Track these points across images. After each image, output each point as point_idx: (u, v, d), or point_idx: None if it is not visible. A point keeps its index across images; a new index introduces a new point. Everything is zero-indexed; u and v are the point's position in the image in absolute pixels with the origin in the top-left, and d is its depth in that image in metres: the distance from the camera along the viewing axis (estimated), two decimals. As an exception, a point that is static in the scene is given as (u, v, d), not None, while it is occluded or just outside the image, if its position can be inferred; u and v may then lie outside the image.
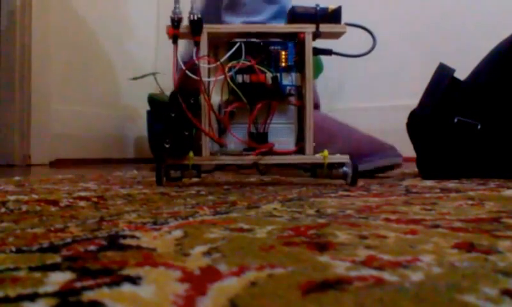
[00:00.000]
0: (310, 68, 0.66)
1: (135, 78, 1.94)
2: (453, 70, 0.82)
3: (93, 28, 1.96)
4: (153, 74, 1.97)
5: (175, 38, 0.66)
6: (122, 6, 2.10)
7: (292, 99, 0.67)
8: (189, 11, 0.65)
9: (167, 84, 1.90)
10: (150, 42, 2.24)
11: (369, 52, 0.68)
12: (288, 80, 0.66)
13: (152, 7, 2.26)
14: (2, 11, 1.72)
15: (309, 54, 0.66)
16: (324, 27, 0.66)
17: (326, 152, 0.66)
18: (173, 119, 0.63)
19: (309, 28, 0.66)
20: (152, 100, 1.87)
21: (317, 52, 0.69)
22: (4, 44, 1.71)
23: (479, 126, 0.75)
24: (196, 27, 0.65)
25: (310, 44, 0.66)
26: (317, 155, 0.66)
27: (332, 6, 0.67)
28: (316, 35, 0.66)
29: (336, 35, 0.68)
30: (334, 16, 0.67)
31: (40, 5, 1.73)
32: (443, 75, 0.81)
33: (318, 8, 0.66)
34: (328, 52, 0.74)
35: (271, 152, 0.65)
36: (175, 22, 0.65)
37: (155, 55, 2.26)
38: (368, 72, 1.87)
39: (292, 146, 0.67)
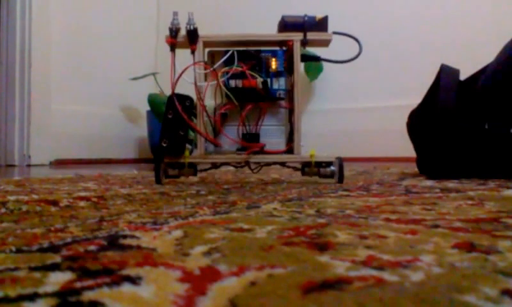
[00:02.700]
0: (298, 73, 0.70)
1: (135, 79, 1.94)
2: (457, 71, 0.81)
3: (94, 28, 1.96)
4: (153, 74, 1.97)
5: (172, 47, 0.71)
6: (122, 7, 2.10)
7: (283, 102, 0.71)
8: (186, 22, 0.70)
9: (167, 84, 1.91)
10: (150, 42, 2.24)
11: (355, 57, 0.71)
12: (279, 84, 0.70)
13: (152, 8, 2.26)
14: (2, 11, 1.72)
15: (297, 61, 0.70)
16: (312, 35, 0.70)
17: (313, 151, 0.70)
18: (170, 120, 0.68)
19: (297, 36, 0.70)
20: (152, 100, 1.87)
21: (305, 58, 0.73)
22: (4, 44, 1.71)
23: (486, 126, 0.75)
24: (192, 36, 0.70)
25: (298, 51, 0.70)
26: (305, 154, 0.70)
27: (320, 15, 0.71)
28: (304, 43, 0.70)
29: (323, 42, 0.72)
30: (321, 25, 0.70)
31: (40, 6, 1.73)
32: (446, 76, 0.81)
33: (306, 18, 0.70)
34: (316, 59, 0.79)
35: (262, 151, 0.70)
36: (173, 32, 0.70)
37: (155, 55, 2.26)
38: (368, 72, 1.87)
39: (282, 146, 0.71)
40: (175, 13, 0.70)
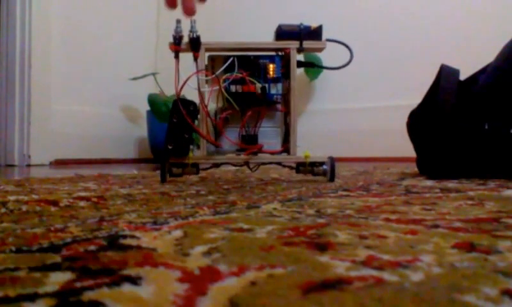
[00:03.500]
0: (294, 79, 0.74)
1: (135, 79, 1.94)
2: (457, 71, 0.81)
3: (93, 28, 1.96)
4: (153, 74, 1.97)
5: (176, 54, 0.73)
6: (122, 7, 2.10)
7: (279, 106, 0.75)
8: (189, 30, 0.73)
9: (167, 84, 1.91)
10: (150, 42, 2.24)
11: (347, 64, 0.75)
12: (276, 89, 0.73)
13: (152, 8, 2.26)
14: (2, 11, 1.72)
15: (294, 67, 0.74)
16: (307, 44, 0.74)
17: (307, 152, 0.74)
18: (175, 124, 0.71)
19: (293, 44, 0.74)
20: (152, 100, 1.87)
21: (300, 64, 0.77)
22: (4, 44, 1.71)
23: (486, 126, 0.75)
24: (195, 44, 0.73)
25: (295, 58, 0.74)
26: (300, 155, 0.74)
27: (314, 24, 0.75)
28: (300, 50, 0.74)
29: (318, 50, 0.77)
30: (316, 33, 0.74)
31: (40, 6, 1.73)
32: (446, 76, 0.81)
33: (302, 27, 0.74)
34: (310, 65, 0.86)
35: (260, 152, 0.73)
36: (177, 39, 0.73)
37: (155, 55, 2.26)
38: (368, 72, 1.87)
39: (279, 147, 0.75)
40: (178, 21, 0.72)
